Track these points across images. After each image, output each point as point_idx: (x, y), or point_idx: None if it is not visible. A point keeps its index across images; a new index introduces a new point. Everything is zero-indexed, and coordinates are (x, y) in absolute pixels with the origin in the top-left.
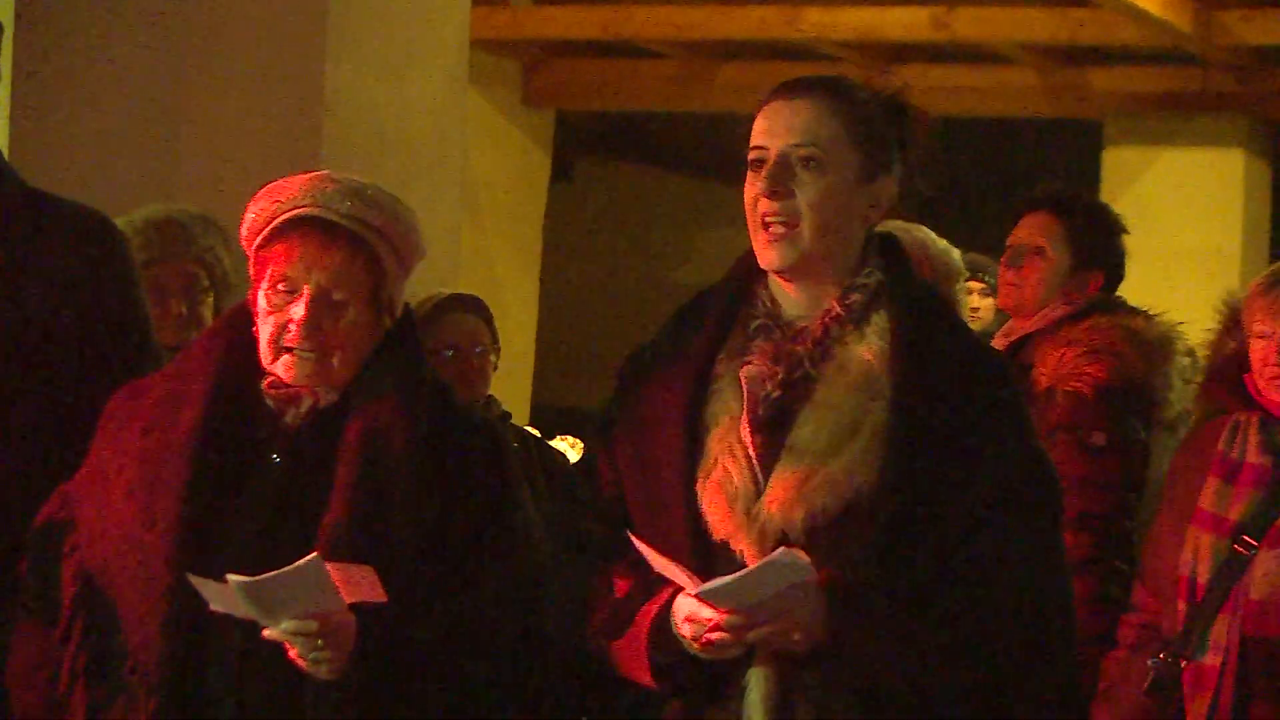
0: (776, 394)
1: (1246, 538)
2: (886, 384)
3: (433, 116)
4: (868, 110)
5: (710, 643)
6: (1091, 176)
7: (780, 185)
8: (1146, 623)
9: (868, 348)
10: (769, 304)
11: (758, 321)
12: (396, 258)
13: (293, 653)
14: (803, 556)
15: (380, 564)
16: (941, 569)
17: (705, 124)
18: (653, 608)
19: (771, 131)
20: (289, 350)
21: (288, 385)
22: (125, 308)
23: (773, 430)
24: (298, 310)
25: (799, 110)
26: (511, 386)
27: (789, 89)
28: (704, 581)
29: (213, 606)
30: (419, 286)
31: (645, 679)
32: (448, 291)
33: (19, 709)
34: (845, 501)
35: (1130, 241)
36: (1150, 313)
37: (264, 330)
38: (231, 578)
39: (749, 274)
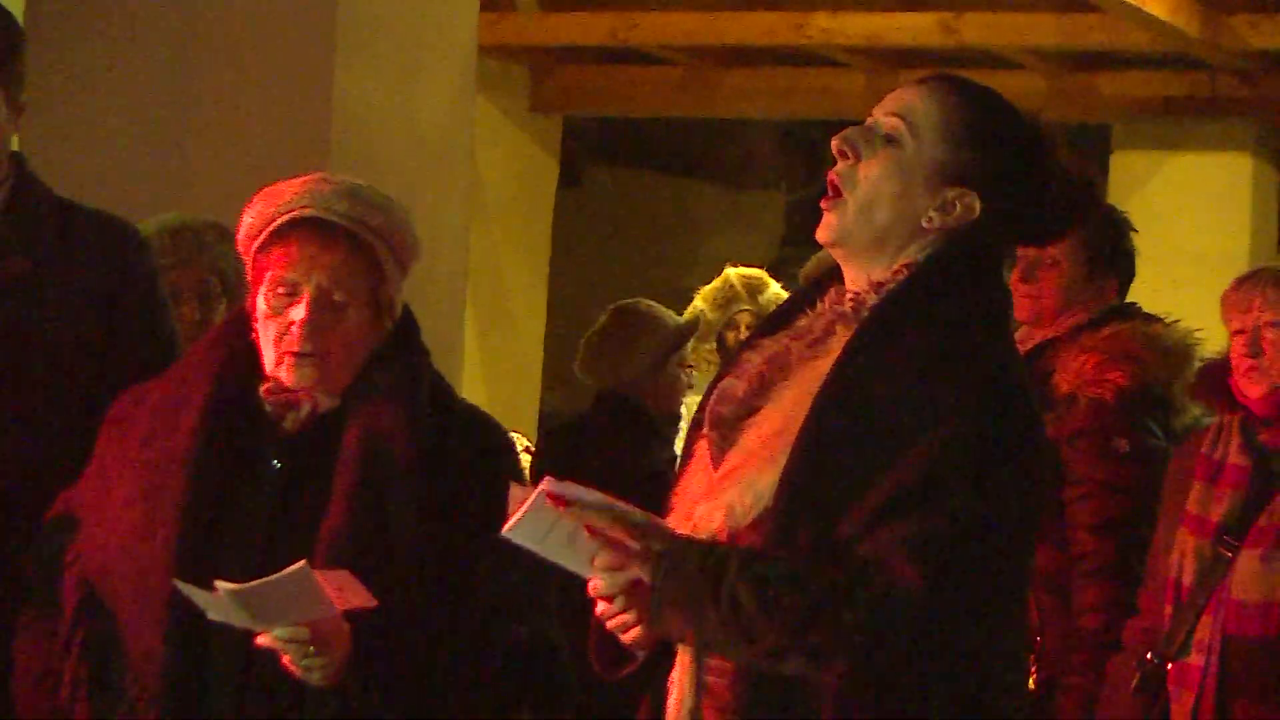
0: (742, 392)
1: (1228, 538)
2: None
3: (441, 123)
4: (984, 118)
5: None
6: (1099, 181)
7: (849, 146)
8: (1147, 626)
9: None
10: (831, 303)
11: (802, 321)
12: (394, 258)
13: (285, 659)
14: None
15: (381, 569)
16: (811, 563)
17: (713, 130)
18: None
19: (881, 105)
20: (291, 354)
21: (286, 391)
22: (151, 316)
23: (732, 430)
24: (298, 312)
25: (913, 90)
26: (520, 394)
27: (926, 76)
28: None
29: (210, 616)
30: (428, 293)
31: (600, 671)
32: None
33: (25, 717)
34: (758, 502)
35: (1138, 246)
36: (1167, 319)
37: (265, 334)
38: (220, 585)
39: (830, 272)
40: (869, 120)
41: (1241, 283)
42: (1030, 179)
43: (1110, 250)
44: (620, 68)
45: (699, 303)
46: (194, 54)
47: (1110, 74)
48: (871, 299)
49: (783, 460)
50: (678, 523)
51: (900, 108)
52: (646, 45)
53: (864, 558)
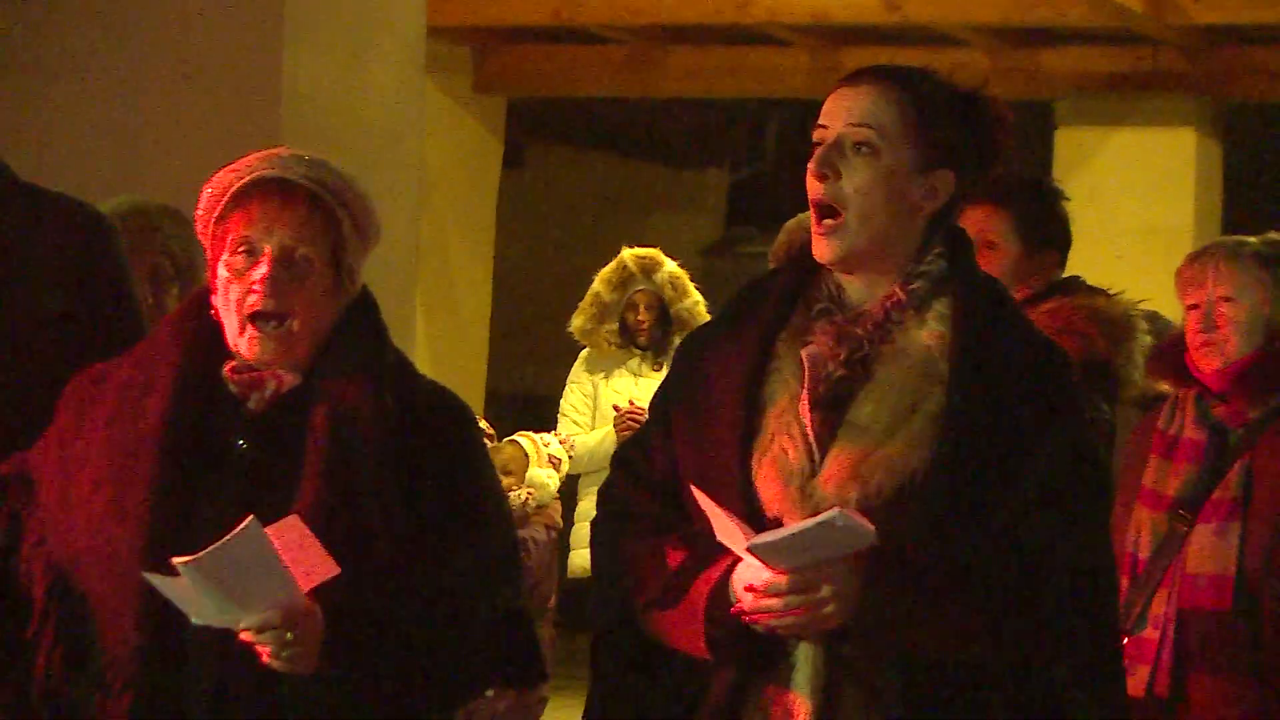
0: (839, 373)
1: (1183, 512)
2: (945, 369)
3: (389, 104)
4: (931, 101)
5: (758, 611)
6: (1044, 157)
7: (828, 168)
8: None
9: (929, 333)
10: (833, 289)
11: (820, 305)
12: (354, 224)
13: (264, 655)
14: (859, 520)
15: (353, 547)
16: (989, 552)
17: (656, 109)
18: (712, 576)
19: (833, 114)
20: (253, 319)
21: (250, 370)
22: (118, 300)
23: (831, 409)
24: (260, 270)
25: (861, 95)
26: (466, 373)
27: (856, 75)
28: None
29: (193, 618)
30: (380, 273)
31: (698, 649)
32: None
33: None
34: (900, 482)
35: (1083, 221)
36: (1110, 291)
37: (227, 301)
38: (178, 561)
39: (812, 260)
40: (826, 135)
41: (1195, 258)
42: (978, 133)
43: (1046, 223)
44: (564, 48)
45: (596, 285)
46: (143, 38)
47: (1054, 50)
48: (922, 287)
49: (922, 444)
50: (779, 498)
51: (862, 117)
52: (590, 25)
53: (1035, 545)
